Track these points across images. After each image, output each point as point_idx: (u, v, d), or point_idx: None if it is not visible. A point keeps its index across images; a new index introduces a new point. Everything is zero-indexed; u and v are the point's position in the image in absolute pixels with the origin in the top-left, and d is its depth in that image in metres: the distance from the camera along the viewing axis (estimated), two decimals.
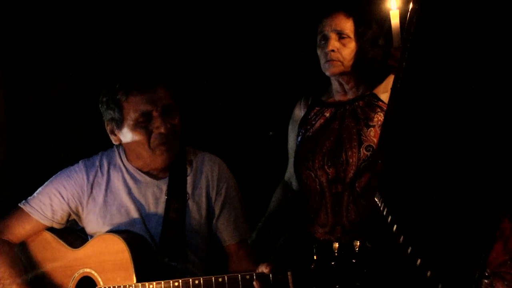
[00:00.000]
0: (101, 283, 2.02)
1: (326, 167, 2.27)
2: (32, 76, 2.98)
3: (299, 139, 2.42)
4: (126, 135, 2.10)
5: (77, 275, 2.07)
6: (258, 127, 3.08)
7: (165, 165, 2.13)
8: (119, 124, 2.10)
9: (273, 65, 3.04)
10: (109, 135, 2.17)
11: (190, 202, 2.12)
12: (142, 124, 2.06)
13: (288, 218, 2.55)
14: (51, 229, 2.19)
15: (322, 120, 2.37)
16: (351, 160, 2.22)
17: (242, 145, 3.07)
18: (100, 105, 2.16)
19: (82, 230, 2.23)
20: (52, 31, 2.95)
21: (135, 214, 2.10)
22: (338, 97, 2.40)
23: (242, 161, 2.73)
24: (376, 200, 1.30)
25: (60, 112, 2.99)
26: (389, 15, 2.13)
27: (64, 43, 2.97)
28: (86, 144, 2.88)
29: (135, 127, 2.06)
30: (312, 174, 2.30)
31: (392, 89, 1.35)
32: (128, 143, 2.13)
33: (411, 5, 1.24)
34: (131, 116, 2.06)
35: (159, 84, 2.10)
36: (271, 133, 2.58)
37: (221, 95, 3.10)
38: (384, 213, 1.20)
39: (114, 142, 2.17)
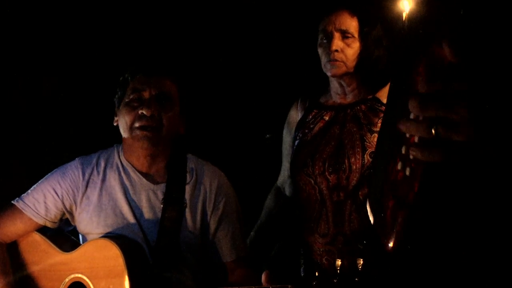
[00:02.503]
0: None
1: (327, 173, 2.23)
2: (24, 74, 2.99)
3: (296, 143, 2.39)
4: (120, 114, 2.15)
5: (67, 280, 2.08)
6: (254, 131, 3.07)
7: (144, 155, 2.14)
8: (120, 102, 2.16)
9: (270, 65, 3.02)
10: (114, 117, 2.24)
11: (186, 212, 2.13)
12: (133, 104, 2.11)
13: (281, 226, 2.54)
14: (41, 231, 2.18)
15: (321, 124, 2.34)
16: (354, 167, 2.18)
17: (238, 150, 3.07)
18: None
19: (73, 231, 2.24)
20: (44, 29, 2.97)
21: (130, 216, 2.10)
22: (337, 99, 2.38)
23: (237, 166, 2.72)
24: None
25: (54, 111, 3.00)
26: (401, 16, 2.11)
27: (57, 42, 2.99)
28: (81, 144, 2.88)
29: (126, 105, 2.13)
30: (312, 180, 2.27)
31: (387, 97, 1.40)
32: (120, 124, 2.17)
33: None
34: (127, 93, 2.13)
35: (166, 73, 2.18)
36: (268, 135, 2.54)
37: (217, 98, 3.09)
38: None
39: (114, 123, 2.22)
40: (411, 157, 0.93)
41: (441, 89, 0.87)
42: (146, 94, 2.10)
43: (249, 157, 3.05)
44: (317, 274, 1.67)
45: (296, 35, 2.71)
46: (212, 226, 2.15)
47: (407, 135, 0.96)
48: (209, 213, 2.15)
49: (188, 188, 2.16)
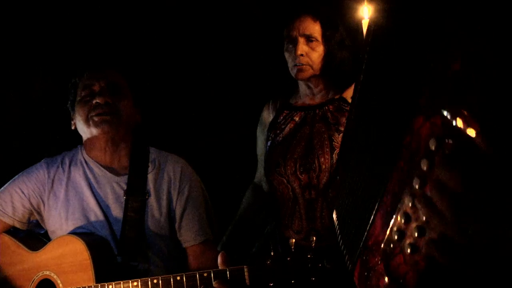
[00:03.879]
0: (60, 285, 2.06)
1: (298, 173, 2.32)
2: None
3: (269, 143, 2.49)
4: (76, 116, 2.24)
5: (36, 278, 2.11)
6: (227, 129, 3.14)
7: (105, 141, 2.21)
8: (73, 105, 2.25)
9: (240, 67, 3.11)
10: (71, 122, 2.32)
11: (151, 200, 2.19)
12: (86, 99, 2.19)
13: (259, 221, 2.59)
14: (11, 233, 2.23)
15: (291, 125, 2.44)
16: (324, 167, 2.28)
17: (212, 147, 3.13)
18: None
19: (45, 234, 2.29)
20: (28, 31, 3.06)
21: (96, 209, 2.17)
22: (306, 100, 2.48)
23: (211, 163, 2.78)
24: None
25: (35, 114, 3.06)
26: (361, 24, 2.19)
27: (42, 44, 3.08)
28: (51, 147, 2.95)
29: (79, 103, 2.21)
30: (284, 180, 2.36)
31: (350, 104, 1.36)
32: (77, 125, 2.25)
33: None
34: (79, 93, 2.23)
35: (110, 66, 2.28)
36: None
37: (189, 95, 3.17)
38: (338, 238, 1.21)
39: (72, 127, 2.31)
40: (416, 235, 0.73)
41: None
42: (96, 87, 2.20)
43: (226, 154, 3.11)
44: (272, 254, 1.72)
45: (266, 35, 2.79)
46: (178, 211, 2.20)
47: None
48: (174, 198, 2.21)
49: (151, 177, 2.22)
